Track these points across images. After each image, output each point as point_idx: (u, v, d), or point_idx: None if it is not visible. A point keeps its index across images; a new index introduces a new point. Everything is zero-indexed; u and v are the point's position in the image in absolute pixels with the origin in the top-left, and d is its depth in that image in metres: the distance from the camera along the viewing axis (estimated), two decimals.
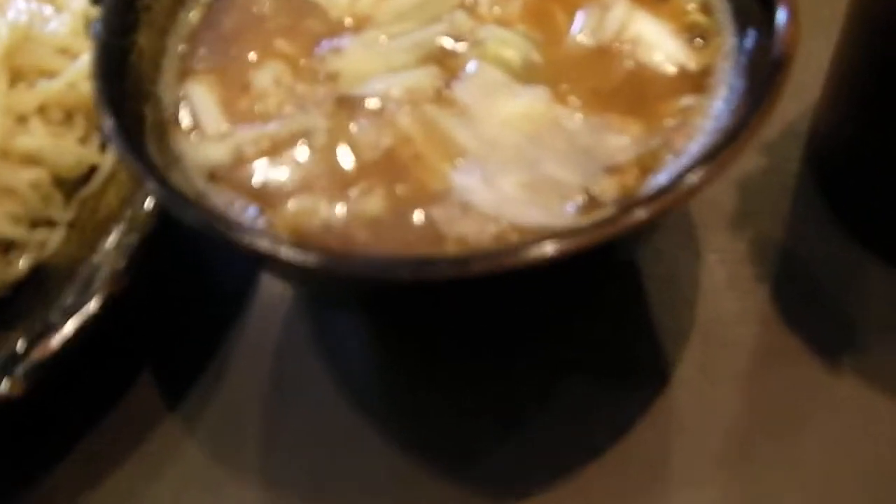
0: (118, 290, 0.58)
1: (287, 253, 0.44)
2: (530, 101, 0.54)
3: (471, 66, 0.56)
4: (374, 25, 0.59)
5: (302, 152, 0.53)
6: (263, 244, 0.44)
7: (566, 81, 0.55)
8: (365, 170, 0.52)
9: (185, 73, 0.58)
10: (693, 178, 0.44)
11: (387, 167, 0.52)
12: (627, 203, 0.45)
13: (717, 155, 0.45)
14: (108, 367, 0.64)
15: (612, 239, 0.43)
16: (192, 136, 0.55)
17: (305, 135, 0.54)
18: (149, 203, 0.61)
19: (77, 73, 0.68)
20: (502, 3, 0.59)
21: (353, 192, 0.51)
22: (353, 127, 0.54)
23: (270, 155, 0.53)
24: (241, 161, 0.53)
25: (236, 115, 0.56)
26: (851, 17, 0.61)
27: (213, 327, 0.67)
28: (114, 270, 0.58)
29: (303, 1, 0.62)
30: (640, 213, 0.43)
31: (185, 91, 0.57)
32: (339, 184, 0.52)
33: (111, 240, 0.60)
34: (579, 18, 0.58)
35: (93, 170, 0.69)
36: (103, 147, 0.70)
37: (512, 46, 0.57)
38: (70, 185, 0.69)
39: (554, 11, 0.59)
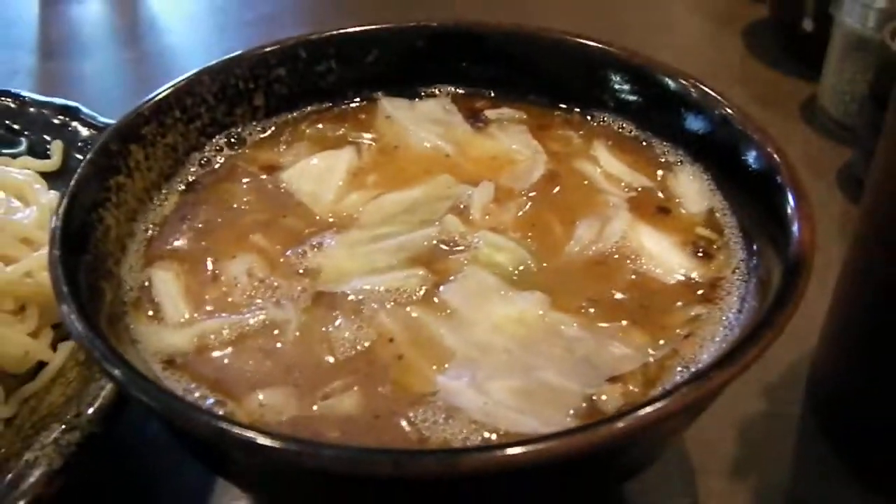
0: (49, 494, 0.51)
1: (256, 439, 0.37)
2: (525, 306, 0.50)
3: (461, 269, 0.52)
4: (359, 226, 0.56)
5: (272, 345, 0.49)
6: (229, 429, 0.38)
7: (563, 290, 0.51)
8: (341, 367, 0.48)
9: (151, 258, 0.54)
10: (713, 376, 0.39)
11: (365, 366, 0.48)
12: (635, 404, 0.40)
13: (739, 353, 0.41)
14: None
15: (624, 435, 0.38)
16: (153, 321, 0.50)
17: (277, 327, 0.50)
18: (95, 403, 0.54)
19: (35, 262, 0.63)
20: (496, 211, 0.57)
21: (326, 390, 0.46)
22: (330, 323, 0.50)
23: (236, 345, 0.49)
24: (203, 349, 0.48)
25: (203, 303, 0.51)
26: (850, 265, 0.60)
27: None
28: (48, 470, 0.51)
29: (285, 198, 0.59)
30: (652, 408, 0.38)
31: (150, 275, 0.52)
32: (311, 380, 0.47)
33: (50, 436, 0.53)
34: (577, 229, 0.55)
35: (40, 366, 0.63)
36: (55, 345, 0.64)
37: (505, 252, 0.54)
38: (13, 380, 0.62)
39: (550, 221, 0.56)
